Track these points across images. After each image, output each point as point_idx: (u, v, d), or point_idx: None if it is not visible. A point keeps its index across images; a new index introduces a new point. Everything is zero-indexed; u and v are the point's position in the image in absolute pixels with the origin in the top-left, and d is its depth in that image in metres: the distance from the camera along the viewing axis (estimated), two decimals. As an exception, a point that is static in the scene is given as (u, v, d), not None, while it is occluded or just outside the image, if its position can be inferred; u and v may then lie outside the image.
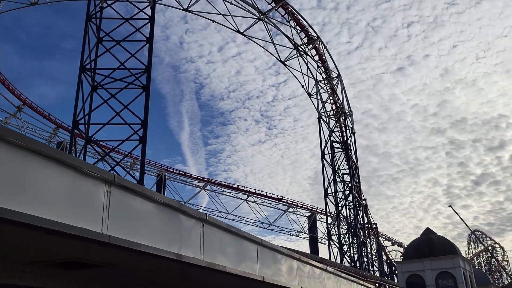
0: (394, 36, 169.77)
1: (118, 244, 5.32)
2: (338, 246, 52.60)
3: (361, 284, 15.21)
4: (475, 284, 39.29)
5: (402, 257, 39.48)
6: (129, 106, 28.51)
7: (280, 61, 50.50)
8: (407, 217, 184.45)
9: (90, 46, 29.42)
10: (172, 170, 64.62)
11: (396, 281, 50.09)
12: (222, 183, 68.27)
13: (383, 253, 74.71)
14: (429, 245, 35.50)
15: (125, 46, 29.62)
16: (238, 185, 66.72)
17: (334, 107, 56.65)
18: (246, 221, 67.52)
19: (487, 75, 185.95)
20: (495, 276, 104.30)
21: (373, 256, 70.76)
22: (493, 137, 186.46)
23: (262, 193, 67.15)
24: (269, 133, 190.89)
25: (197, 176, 67.26)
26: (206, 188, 65.82)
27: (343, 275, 13.51)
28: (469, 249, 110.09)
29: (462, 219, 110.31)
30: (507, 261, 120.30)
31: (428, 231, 37.72)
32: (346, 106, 57.36)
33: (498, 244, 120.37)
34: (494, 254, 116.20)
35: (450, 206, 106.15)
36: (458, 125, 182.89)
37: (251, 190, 66.56)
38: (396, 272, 40.36)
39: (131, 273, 7.75)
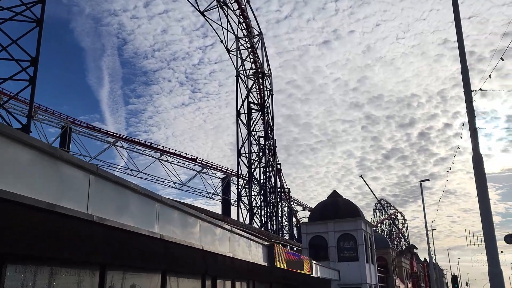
0: (323, 9, 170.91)
1: None
2: (248, 207, 51.99)
3: (252, 240, 13.70)
4: (375, 246, 40.57)
5: (308, 219, 39.50)
6: (19, 41, 25.55)
7: (199, 11, 47.30)
8: (322, 186, 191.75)
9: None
10: (79, 123, 59.40)
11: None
12: (134, 139, 64.27)
13: (293, 217, 75.96)
14: (334, 207, 35.59)
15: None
16: (151, 143, 63.34)
17: (253, 66, 54.84)
18: (158, 180, 64.71)
19: (405, 56, 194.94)
20: (395, 242, 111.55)
21: (284, 220, 71.76)
22: (405, 114, 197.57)
23: (176, 152, 64.22)
24: (193, 97, 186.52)
25: (107, 131, 62.62)
26: (116, 144, 61.70)
27: (229, 228, 11.81)
28: (374, 217, 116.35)
29: (370, 189, 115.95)
30: (407, 228, 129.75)
31: (334, 194, 37.83)
32: (265, 66, 55.83)
33: (400, 213, 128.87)
34: (396, 222, 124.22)
35: (361, 176, 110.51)
36: (375, 101, 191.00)
37: (165, 149, 63.44)
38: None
39: None
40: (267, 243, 15.63)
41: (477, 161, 11.93)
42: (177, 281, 14.40)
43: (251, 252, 13.81)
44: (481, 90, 12.14)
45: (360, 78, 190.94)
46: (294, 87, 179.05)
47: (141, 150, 63.71)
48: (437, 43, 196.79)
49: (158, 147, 62.77)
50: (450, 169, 41.51)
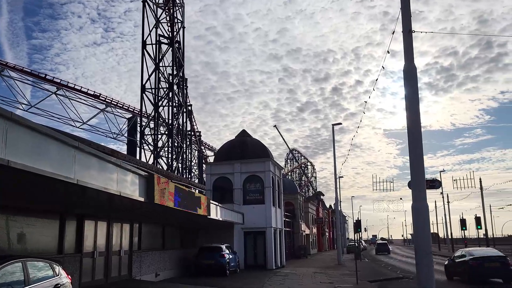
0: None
1: None
2: (152, 148, 48.11)
3: (120, 167, 10.29)
4: (284, 191, 39.20)
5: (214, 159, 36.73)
6: None
7: None
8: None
9: None
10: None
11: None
12: (24, 69, 56.00)
13: (204, 161, 73.21)
14: (242, 147, 33.03)
15: None
16: (46, 75, 55.61)
17: (164, -7, 49.20)
18: (53, 117, 57.65)
19: (324, 11, 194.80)
20: (304, 190, 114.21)
21: (193, 164, 68.74)
22: (320, 69, 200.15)
23: (76, 87, 57.06)
24: (106, 36, 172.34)
25: (-10, 58, 53.84)
26: (3, 73, 53.43)
27: (76, 144, 8.25)
28: (286, 167, 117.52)
29: (283, 139, 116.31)
30: (315, 178, 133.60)
31: (243, 133, 35.20)
32: (177, -6, 50.42)
33: (310, 162, 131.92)
34: (306, 171, 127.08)
35: (275, 126, 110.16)
36: (293, 54, 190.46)
37: (63, 82, 56.13)
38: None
39: None
40: (145, 173, 12.34)
41: (410, 69, 9.42)
42: (15, 221, 10.71)
43: (119, 182, 10.49)
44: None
45: (280, 29, 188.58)
46: (213, 34, 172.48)
47: (34, 82, 55.97)
48: (355, 0, 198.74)
49: (55, 79, 55.33)
50: (360, 123, 40.93)
